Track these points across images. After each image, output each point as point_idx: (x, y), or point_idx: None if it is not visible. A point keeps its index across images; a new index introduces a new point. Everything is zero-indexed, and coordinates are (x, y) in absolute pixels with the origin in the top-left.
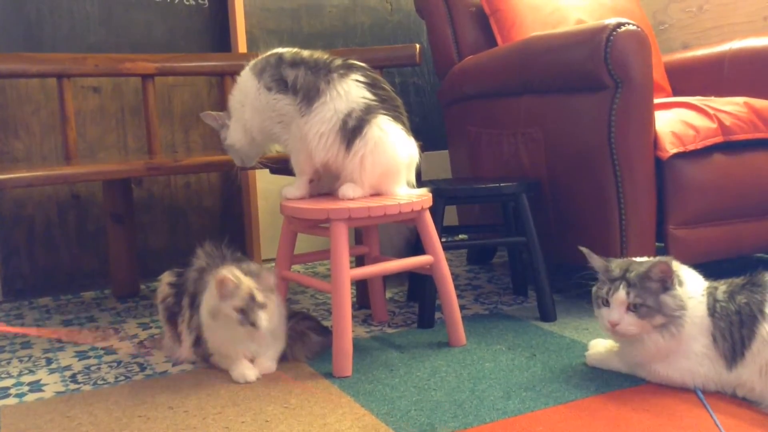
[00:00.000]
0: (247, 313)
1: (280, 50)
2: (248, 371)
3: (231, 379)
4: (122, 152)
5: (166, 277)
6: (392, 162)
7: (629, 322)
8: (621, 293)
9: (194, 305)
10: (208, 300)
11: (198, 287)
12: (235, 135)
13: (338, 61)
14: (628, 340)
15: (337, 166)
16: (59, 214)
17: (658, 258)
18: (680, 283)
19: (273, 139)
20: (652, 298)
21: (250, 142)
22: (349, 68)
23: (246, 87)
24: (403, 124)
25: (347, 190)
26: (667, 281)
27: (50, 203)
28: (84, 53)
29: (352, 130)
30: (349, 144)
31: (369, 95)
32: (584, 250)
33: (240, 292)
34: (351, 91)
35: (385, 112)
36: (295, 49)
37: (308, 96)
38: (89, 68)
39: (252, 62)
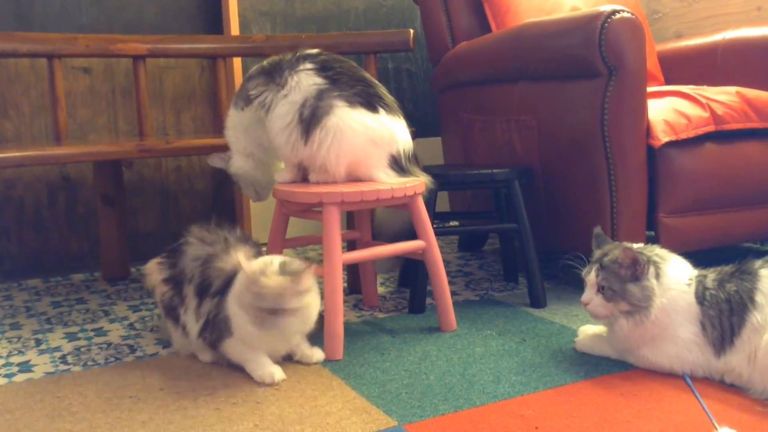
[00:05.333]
0: (275, 315)
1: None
2: (276, 371)
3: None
4: (113, 134)
5: (156, 274)
6: (357, 149)
7: (597, 303)
8: (592, 274)
9: (204, 293)
10: (238, 290)
11: (208, 274)
12: (237, 162)
13: (289, 56)
14: (610, 324)
15: (308, 162)
16: (49, 195)
17: (623, 244)
18: (657, 275)
19: (265, 147)
20: (618, 283)
21: (254, 165)
22: (299, 59)
23: (230, 117)
24: (362, 102)
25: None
26: (636, 269)
27: (40, 184)
28: (75, 33)
29: (308, 120)
30: (309, 136)
31: (318, 80)
32: (597, 230)
33: (268, 294)
34: (302, 81)
35: (338, 93)
36: (268, 59)
37: (264, 101)
38: (80, 48)
39: None
